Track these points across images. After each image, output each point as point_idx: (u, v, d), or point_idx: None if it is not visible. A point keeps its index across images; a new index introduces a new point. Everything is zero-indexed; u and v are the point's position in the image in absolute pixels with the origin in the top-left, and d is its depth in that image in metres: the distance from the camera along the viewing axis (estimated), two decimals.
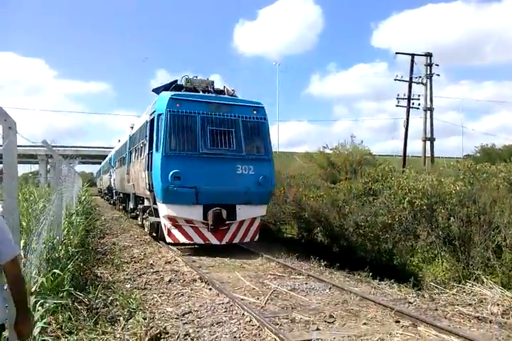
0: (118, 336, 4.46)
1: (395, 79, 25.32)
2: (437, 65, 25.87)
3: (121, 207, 20.87)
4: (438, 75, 26.12)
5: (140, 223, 13.94)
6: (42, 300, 4.28)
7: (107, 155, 31.04)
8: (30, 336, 2.62)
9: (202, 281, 7.24)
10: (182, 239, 9.74)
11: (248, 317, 5.30)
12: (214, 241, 9.86)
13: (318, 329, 5.00)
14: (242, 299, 6.15)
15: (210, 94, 10.76)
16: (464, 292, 6.96)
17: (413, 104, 25.26)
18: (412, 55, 25.18)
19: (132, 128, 15.79)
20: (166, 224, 9.83)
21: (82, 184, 25.11)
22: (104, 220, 16.76)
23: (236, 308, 5.67)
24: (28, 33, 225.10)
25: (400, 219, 11.39)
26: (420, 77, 25.36)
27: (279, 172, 17.71)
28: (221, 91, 11.36)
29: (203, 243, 9.89)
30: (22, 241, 4.62)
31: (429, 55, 25.75)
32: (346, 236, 12.71)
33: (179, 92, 10.51)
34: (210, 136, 9.87)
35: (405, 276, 9.72)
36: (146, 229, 12.59)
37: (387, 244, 11.60)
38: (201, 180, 9.52)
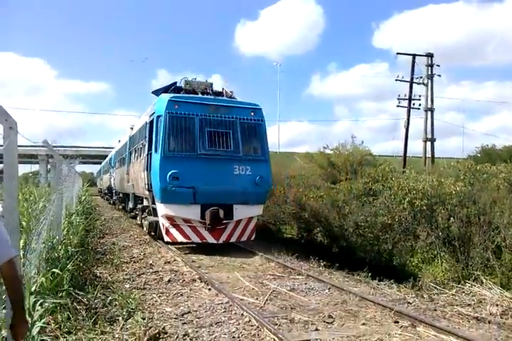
0: (117, 336, 4.47)
1: (396, 80, 25.37)
2: (438, 66, 26.00)
3: (120, 206, 20.99)
4: (439, 76, 26.24)
5: (139, 222, 14.05)
6: (41, 300, 4.29)
7: (107, 155, 31.07)
8: (25, 337, 2.62)
9: (201, 281, 7.25)
10: (180, 238, 9.93)
11: (247, 317, 5.31)
12: (211, 240, 10.03)
13: (317, 329, 5.02)
14: (241, 299, 6.16)
15: (208, 96, 10.93)
16: (463, 292, 6.97)
17: (414, 104, 25.31)
18: (413, 56, 25.21)
19: (132, 129, 15.94)
20: (164, 223, 10.02)
21: (82, 184, 25.12)
22: (104, 220, 16.78)
23: (235, 308, 5.68)
24: (28, 33, 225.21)
25: (400, 219, 11.38)
26: (421, 77, 25.40)
27: (279, 173, 17.76)
28: (220, 93, 11.55)
29: (200, 242, 10.06)
30: (22, 241, 4.63)
31: (430, 55, 25.77)
32: (346, 237, 12.70)
33: (178, 94, 10.68)
34: (208, 137, 10.04)
35: (405, 277, 9.72)
36: (144, 229, 12.70)
37: (386, 245, 11.59)
38: (199, 180, 9.70)
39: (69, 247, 7.06)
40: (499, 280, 8.30)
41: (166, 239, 10.03)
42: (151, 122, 10.77)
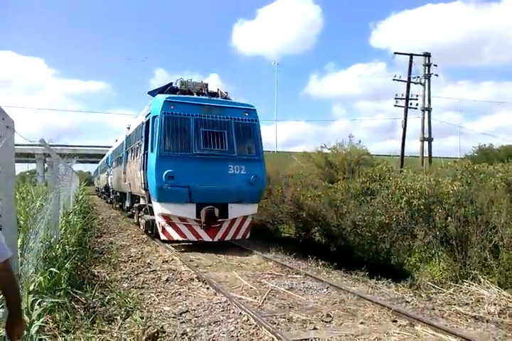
0: (115, 335, 4.45)
1: (394, 79, 25.32)
2: (435, 65, 25.87)
3: (117, 205, 20.99)
4: (436, 75, 26.11)
5: (136, 221, 14.14)
6: (39, 299, 4.27)
7: (104, 155, 31.03)
8: (23, 337, 2.61)
9: (199, 280, 7.24)
10: (176, 236, 10.07)
11: (245, 316, 5.31)
12: (206, 238, 10.17)
13: (315, 328, 5.01)
14: (239, 298, 6.16)
15: (203, 97, 11.10)
16: (461, 291, 6.98)
17: (411, 104, 25.27)
18: (411, 55, 25.18)
19: (129, 128, 16.07)
20: (160, 221, 10.18)
21: (80, 183, 25.08)
22: (102, 219, 16.74)
23: (233, 307, 5.68)
24: (28, 32, 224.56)
25: (398, 218, 11.41)
26: (418, 77, 25.36)
27: (277, 172, 17.77)
28: (215, 94, 11.75)
29: (196, 240, 10.19)
30: (19, 240, 4.61)
31: (427, 55, 25.74)
32: (344, 236, 12.73)
33: (173, 95, 10.82)
34: (203, 137, 10.19)
35: (402, 276, 9.75)
36: (141, 227, 12.78)
37: (384, 244, 11.62)
38: (194, 179, 9.84)
39: (66, 246, 7.04)
40: (497, 280, 8.33)
41: (162, 237, 10.18)
42: (147, 122, 10.92)
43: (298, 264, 9.01)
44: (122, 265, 8.30)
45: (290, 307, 5.86)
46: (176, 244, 10.62)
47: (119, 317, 4.97)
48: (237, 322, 5.11)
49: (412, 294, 6.84)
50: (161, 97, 10.41)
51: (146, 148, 10.78)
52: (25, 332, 3.47)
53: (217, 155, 10.23)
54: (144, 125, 11.47)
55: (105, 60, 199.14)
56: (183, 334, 4.66)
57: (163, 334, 4.60)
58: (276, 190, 16.28)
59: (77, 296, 5.33)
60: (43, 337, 3.91)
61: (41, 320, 4.01)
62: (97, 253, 9.21)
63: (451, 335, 4.74)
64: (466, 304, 6.18)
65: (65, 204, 10.81)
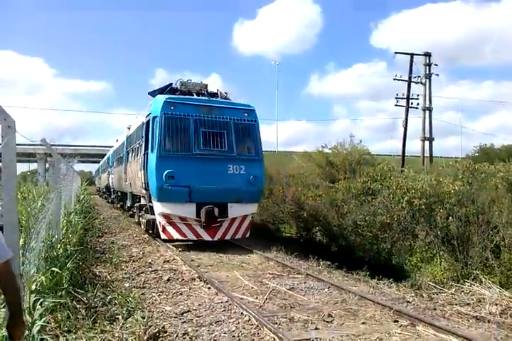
0: (117, 335, 4.45)
1: (394, 79, 25.29)
2: (436, 65, 25.86)
3: (118, 205, 21.04)
4: (437, 75, 26.09)
5: (136, 220, 14.19)
6: (41, 299, 4.28)
7: (105, 154, 31.04)
8: (25, 336, 2.60)
9: (201, 280, 7.24)
10: (176, 236, 10.15)
11: (247, 316, 5.31)
12: (206, 237, 10.25)
13: (316, 328, 5.01)
14: (240, 298, 6.16)
15: (203, 97, 11.19)
16: (463, 291, 6.98)
17: (412, 103, 25.25)
18: (411, 55, 25.16)
19: (129, 128, 16.13)
20: (160, 221, 10.27)
21: (81, 183, 25.09)
22: (103, 219, 16.77)
23: (235, 307, 5.68)
24: (28, 32, 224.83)
25: (399, 218, 11.39)
26: (419, 76, 25.33)
27: (278, 172, 17.77)
28: (214, 94, 11.84)
29: (196, 239, 10.27)
30: (21, 240, 4.62)
31: (428, 54, 25.71)
32: (345, 236, 12.72)
33: (173, 96, 10.89)
34: (202, 138, 10.27)
35: (404, 276, 9.75)
36: (142, 227, 12.84)
37: (385, 244, 11.60)
38: (194, 179, 9.93)
39: (68, 246, 7.04)
40: (498, 280, 8.31)
41: (163, 236, 10.26)
42: (148, 122, 10.99)
43: (299, 264, 9.01)
44: (124, 265, 8.31)
45: (291, 307, 5.86)
46: (177, 244, 10.62)
47: (120, 317, 4.97)
48: (239, 322, 5.11)
49: (413, 294, 6.84)
50: (161, 98, 10.47)
51: (146, 148, 10.86)
52: (27, 331, 3.48)
53: (216, 155, 10.31)
54: (144, 125, 11.55)
55: (106, 59, 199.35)
56: (184, 334, 4.67)
57: (165, 334, 4.60)
58: (277, 189, 16.28)
59: (79, 296, 5.33)
60: (45, 336, 3.91)
61: (43, 319, 4.01)
62: (98, 253, 9.21)
63: (452, 335, 4.73)
64: (468, 304, 6.17)
65: (66, 204, 10.83)
